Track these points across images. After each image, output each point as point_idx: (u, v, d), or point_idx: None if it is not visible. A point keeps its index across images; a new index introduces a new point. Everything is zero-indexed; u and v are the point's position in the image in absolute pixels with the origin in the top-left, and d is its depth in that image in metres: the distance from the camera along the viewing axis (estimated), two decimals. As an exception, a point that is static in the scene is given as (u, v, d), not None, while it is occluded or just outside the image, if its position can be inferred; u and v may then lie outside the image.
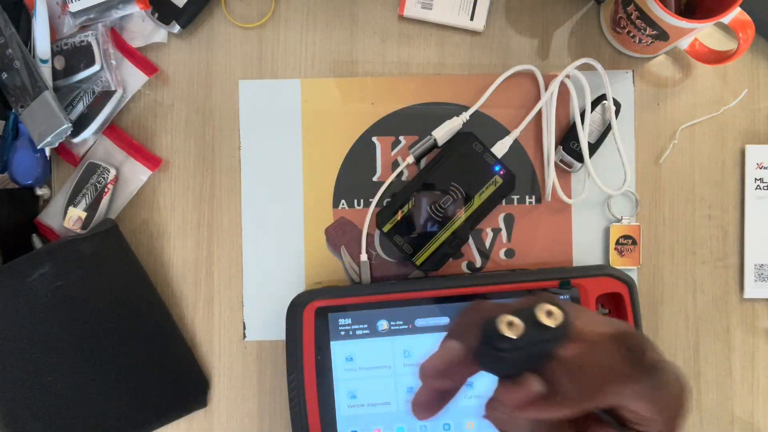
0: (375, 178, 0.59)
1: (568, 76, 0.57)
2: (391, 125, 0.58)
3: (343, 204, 0.59)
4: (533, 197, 0.59)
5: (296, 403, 0.54)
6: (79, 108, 0.56)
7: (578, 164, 0.57)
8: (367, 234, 0.58)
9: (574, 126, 0.56)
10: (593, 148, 0.57)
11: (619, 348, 0.24)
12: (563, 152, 0.57)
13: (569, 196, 0.58)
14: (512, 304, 0.22)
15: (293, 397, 0.54)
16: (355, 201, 0.59)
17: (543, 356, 0.22)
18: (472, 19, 0.57)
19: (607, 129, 0.57)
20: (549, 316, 0.21)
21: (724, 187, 0.59)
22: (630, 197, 0.59)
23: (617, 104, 0.57)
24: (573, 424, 0.27)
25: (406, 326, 0.55)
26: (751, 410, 0.58)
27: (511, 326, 0.21)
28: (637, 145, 0.59)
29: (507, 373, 0.24)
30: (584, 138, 0.56)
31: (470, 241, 0.58)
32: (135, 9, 0.55)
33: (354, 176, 0.59)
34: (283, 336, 0.57)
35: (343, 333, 0.55)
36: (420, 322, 0.55)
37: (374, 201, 0.58)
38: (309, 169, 0.59)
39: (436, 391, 0.26)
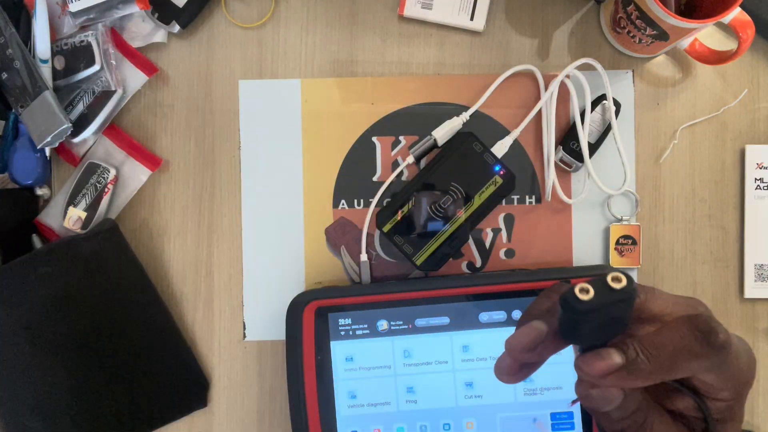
0: (375, 178, 0.59)
1: (568, 76, 0.57)
2: (391, 125, 0.58)
3: (343, 204, 0.59)
4: (533, 197, 0.59)
5: (296, 403, 0.54)
6: (79, 108, 0.56)
7: (578, 164, 0.57)
8: (367, 234, 0.58)
9: (574, 126, 0.56)
10: (593, 148, 0.57)
11: (691, 329, 0.27)
12: (563, 152, 0.57)
13: (569, 196, 0.58)
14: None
15: (293, 397, 0.54)
16: (355, 201, 0.59)
17: (618, 322, 0.25)
18: (472, 19, 0.57)
19: (607, 129, 0.57)
20: (617, 281, 0.24)
21: (724, 187, 0.59)
22: (630, 197, 0.59)
23: (617, 104, 0.57)
24: (651, 393, 0.30)
25: (406, 326, 0.55)
26: (752, 410, 0.58)
27: (584, 292, 0.24)
28: (637, 145, 0.59)
29: (588, 342, 0.26)
30: (584, 138, 0.56)
31: (470, 241, 0.58)
32: (135, 9, 0.55)
33: (354, 176, 0.59)
34: (283, 336, 0.57)
35: (343, 333, 0.55)
36: (420, 322, 0.55)
37: (374, 201, 0.58)
38: (309, 169, 0.59)
39: (520, 363, 0.29)
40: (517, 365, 0.29)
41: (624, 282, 0.24)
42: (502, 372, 0.29)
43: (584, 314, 0.24)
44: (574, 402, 0.29)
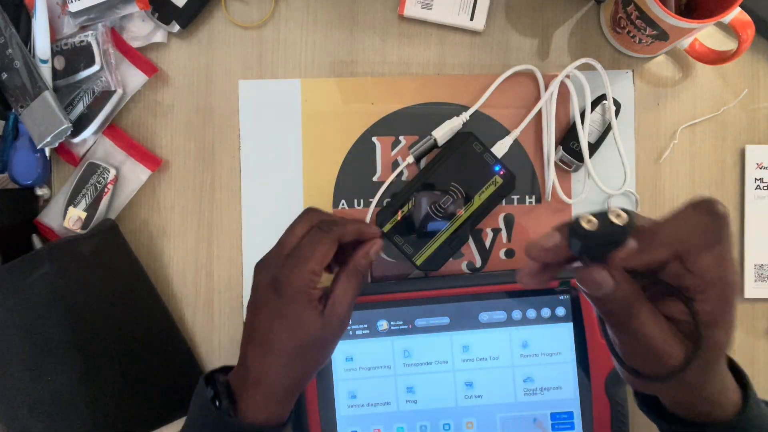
0: (375, 178, 0.59)
1: (568, 76, 0.57)
2: (391, 125, 0.58)
3: (343, 204, 0.59)
4: (533, 197, 0.59)
5: (296, 403, 0.54)
6: (79, 108, 0.56)
7: (578, 164, 0.57)
8: (367, 234, 0.58)
9: (574, 126, 0.56)
10: (593, 148, 0.57)
11: (692, 206, 0.31)
12: (563, 152, 0.57)
13: (569, 196, 0.58)
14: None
15: (293, 397, 0.54)
16: (355, 201, 0.59)
17: (617, 243, 0.29)
18: (472, 19, 0.57)
19: (607, 129, 0.57)
20: (617, 217, 0.28)
21: (724, 187, 0.59)
22: (630, 197, 0.59)
23: (617, 104, 0.57)
24: (647, 293, 0.33)
25: (406, 326, 0.55)
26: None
27: (589, 222, 0.29)
28: (637, 145, 0.59)
29: (590, 257, 0.31)
30: (584, 138, 0.56)
31: (470, 241, 0.58)
32: (135, 9, 0.55)
33: (354, 176, 0.59)
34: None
35: (343, 333, 0.55)
36: (420, 322, 0.55)
37: (374, 201, 0.58)
38: (309, 169, 0.59)
39: (539, 265, 0.33)
40: (537, 267, 0.32)
41: (626, 220, 0.28)
42: (524, 274, 0.33)
43: (586, 239, 0.29)
44: (569, 284, 0.34)
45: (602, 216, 0.29)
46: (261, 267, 0.45)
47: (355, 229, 0.46)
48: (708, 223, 0.30)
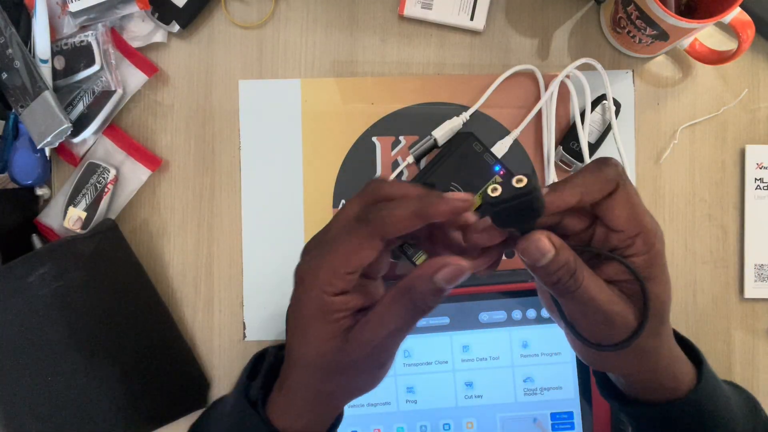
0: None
1: (568, 76, 0.57)
2: (391, 125, 0.58)
3: (343, 204, 0.59)
4: (533, 197, 0.58)
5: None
6: (79, 108, 0.56)
7: (578, 164, 0.57)
8: (367, 234, 0.58)
9: (574, 126, 0.56)
10: (593, 148, 0.57)
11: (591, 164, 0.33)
12: (563, 152, 0.57)
13: (569, 196, 0.58)
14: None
15: (293, 397, 0.54)
16: (355, 201, 0.59)
17: (531, 211, 0.31)
18: (472, 19, 0.57)
19: (607, 129, 0.57)
20: (519, 182, 0.30)
21: (724, 187, 0.59)
22: (630, 197, 0.59)
23: (617, 104, 0.57)
24: (588, 262, 0.34)
25: (406, 326, 0.55)
26: (751, 410, 0.58)
27: (494, 190, 0.31)
28: (637, 145, 0.59)
29: (510, 225, 0.32)
30: (584, 138, 0.56)
31: (470, 241, 0.58)
32: (135, 9, 0.55)
33: (354, 176, 0.59)
34: (283, 336, 0.57)
35: (343, 333, 0.55)
36: (420, 322, 0.55)
37: (374, 201, 0.58)
38: (309, 169, 0.59)
39: (484, 254, 0.34)
40: (485, 259, 0.34)
41: (524, 182, 0.30)
42: (478, 266, 0.34)
43: (495, 205, 0.31)
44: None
45: (505, 183, 0.30)
46: (304, 249, 0.36)
47: (414, 215, 0.31)
48: (606, 173, 0.32)
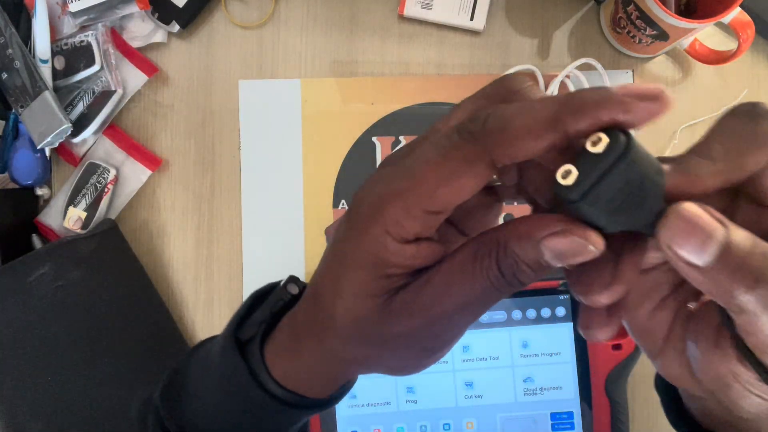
0: (375, 178, 0.59)
1: (568, 76, 0.57)
2: (391, 125, 0.58)
3: (343, 204, 0.59)
4: (533, 197, 0.58)
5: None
6: (79, 108, 0.56)
7: (578, 164, 0.57)
8: (367, 234, 0.58)
9: (574, 126, 0.56)
10: (593, 148, 0.57)
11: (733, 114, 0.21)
12: (563, 152, 0.57)
13: (569, 196, 0.58)
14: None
15: (293, 397, 0.54)
16: (355, 201, 0.59)
17: (639, 188, 0.19)
18: (472, 19, 0.57)
19: (607, 129, 0.57)
20: (594, 144, 0.18)
21: (724, 187, 0.58)
22: (630, 197, 0.59)
23: (617, 104, 0.57)
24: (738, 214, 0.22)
25: (406, 326, 0.55)
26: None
27: (567, 174, 0.18)
28: (637, 145, 0.58)
29: (619, 224, 0.19)
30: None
31: (470, 241, 0.58)
32: (135, 9, 0.55)
33: (354, 176, 0.59)
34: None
35: (343, 333, 0.55)
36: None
37: (374, 201, 0.58)
38: (309, 169, 0.59)
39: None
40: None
41: (604, 140, 0.18)
42: (593, 322, 0.22)
43: (578, 201, 0.18)
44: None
45: (581, 157, 0.19)
46: (380, 164, 0.25)
47: (550, 122, 0.19)
48: (765, 128, 0.20)
